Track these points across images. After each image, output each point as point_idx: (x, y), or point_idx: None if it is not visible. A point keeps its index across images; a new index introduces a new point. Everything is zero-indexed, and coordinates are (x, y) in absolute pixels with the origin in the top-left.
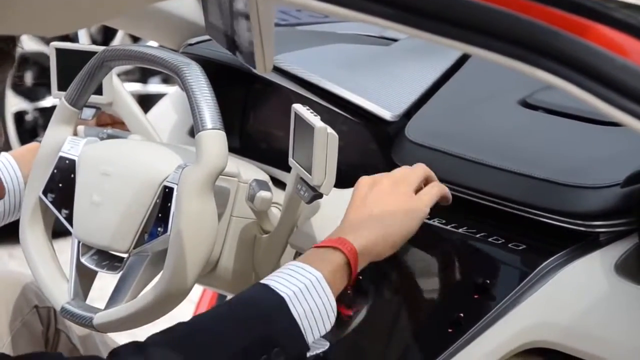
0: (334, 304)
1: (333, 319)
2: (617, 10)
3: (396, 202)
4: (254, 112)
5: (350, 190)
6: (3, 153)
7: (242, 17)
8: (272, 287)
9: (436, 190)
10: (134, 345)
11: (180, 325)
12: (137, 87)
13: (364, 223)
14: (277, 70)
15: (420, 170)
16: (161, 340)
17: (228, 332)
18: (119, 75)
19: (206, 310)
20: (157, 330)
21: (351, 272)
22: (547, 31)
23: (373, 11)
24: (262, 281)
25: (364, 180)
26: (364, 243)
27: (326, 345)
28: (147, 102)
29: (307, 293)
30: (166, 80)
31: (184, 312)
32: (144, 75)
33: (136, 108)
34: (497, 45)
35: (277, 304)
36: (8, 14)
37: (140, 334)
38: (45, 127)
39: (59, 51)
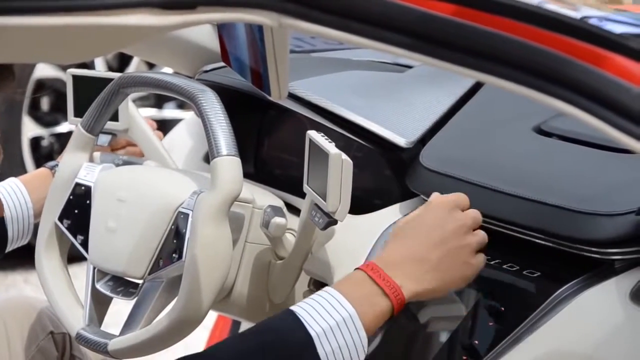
0: (366, 343)
1: (362, 358)
2: (632, 40)
3: (463, 253)
4: (268, 139)
5: (365, 216)
6: (12, 178)
7: (258, 44)
8: (303, 319)
9: (484, 259)
10: None
11: (205, 354)
12: (152, 112)
13: (424, 273)
14: (292, 96)
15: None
16: None
17: None
18: (134, 100)
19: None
20: (172, 356)
21: (391, 316)
22: (562, 60)
23: (388, 40)
24: (292, 308)
25: (438, 211)
26: (414, 295)
27: None
28: (162, 127)
29: (338, 331)
30: (181, 105)
31: (198, 338)
32: (159, 101)
33: (151, 134)
34: (512, 74)
35: (303, 342)
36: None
37: None
38: (61, 152)
39: (76, 78)
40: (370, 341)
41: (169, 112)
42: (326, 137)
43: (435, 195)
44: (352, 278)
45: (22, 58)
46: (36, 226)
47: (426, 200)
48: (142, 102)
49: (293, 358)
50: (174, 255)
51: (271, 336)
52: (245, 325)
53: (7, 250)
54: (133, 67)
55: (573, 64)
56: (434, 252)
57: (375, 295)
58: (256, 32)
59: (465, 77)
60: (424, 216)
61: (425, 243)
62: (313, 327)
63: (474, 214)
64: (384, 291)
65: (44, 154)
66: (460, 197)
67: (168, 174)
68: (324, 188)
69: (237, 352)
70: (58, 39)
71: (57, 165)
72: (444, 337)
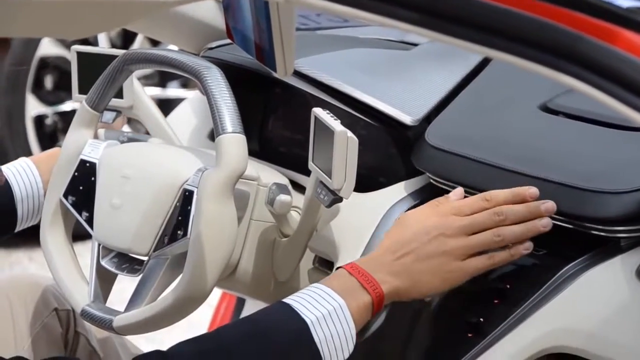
0: (354, 333)
1: (352, 347)
2: None
3: (442, 259)
4: (273, 116)
5: (370, 194)
6: (23, 158)
7: (263, 21)
8: (297, 309)
9: (488, 263)
10: (159, 355)
11: (205, 338)
12: (156, 91)
13: (402, 268)
14: (297, 74)
15: (484, 235)
16: (187, 352)
17: (252, 352)
18: (138, 79)
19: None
20: (176, 334)
21: (374, 310)
22: (572, 36)
23: (396, 15)
24: (285, 300)
25: (426, 212)
26: (394, 291)
27: None
28: (166, 106)
29: (330, 319)
30: (185, 84)
31: (202, 316)
32: (163, 80)
33: (156, 111)
34: (521, 50)
35: (300, 328)
36: (30, 17)
37: (159, 337)
38: (64, 131)
39: (80, 54)
40: (374, 321)
41: (173, 91)
42: (332, 115)
43: (443, 198)
44: (335, 275)
45: (26, 32)
46: None
47: (431, 178)
48: (145, 80)
49: (291, 343)
50: (178, 232)
51: (268, 324)
52: (250, 303)
53: (17, 230)
54: (137, 45)
55: (583, 40)
56: (410, 254)
57: (356, 289)
58: (262, 8)
59: (471, 55)
60: (416, 216)
61: (407, 242)
62: (307, 315)
63: (471, 220)
64: (362, 285)
65: (48, 132)
66: (463, 203)
67: (173, 151)
68: (329, 165)
69: (237, 338)
70: (62, 13)
71: None
72: (449, 315)
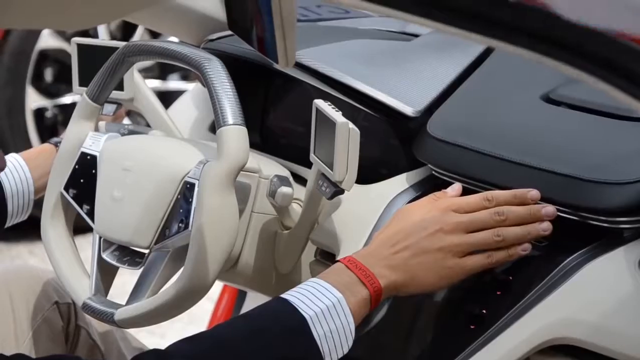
0: (353, 327)
1: (351, 342)
2: None
3: (439, 255)
4: (274, 108)
5: (372, 186)
6: (13, 154)
7: (265, 11)
8: (295, 305)
9: (486, 262)
10: (157, 354)
11: (204, 336)
12: (156, 83)
13: (399, 262)
14: (298, 65)
15: (483, 234)
16: (185, 351)
17: (251, 350)
18: (138, 71)
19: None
20: (177, 327)
21: (371, 304)
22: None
23: (400, 5)
24: (283, 296)
25: (425, 206)
26: (391, 285)
27: None
28: (166, 98)
29: (329, 314)
30: (185, 77)
31: (203, 309)
32: (163, 72)
33: (157, 104)
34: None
35: (299, 324)
36: (29, 8)
37: (160, 330)
38: (64, 124)
39: (81, 47)
40: (376, 312)
41: (173, 83)
42: (333, 106)
43: (441, 193)
44: (332, 269)
45: (26, 24)
46: (36, 202)
47: (433, 170)
48: (145, 73)
49: (291, 340)
50: (180, 224)
51: (266, 320)
52: (251, 296)
53: (6, 226)
54: (137, 37)
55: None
56: (407, 248)
57: (354, 283)
58: None
59: (472, 46)
60: (414, 210)
61: (405, 237)
62: (306, 310)
63: (471, 218)
64: (360, 280)
65: (48, 125)
66: (464, 200)
67: (174, 143)
68: (330, 157)
69: (236, 335)
70: (63, 3)
71: (60, 141)
72: (451, 306)
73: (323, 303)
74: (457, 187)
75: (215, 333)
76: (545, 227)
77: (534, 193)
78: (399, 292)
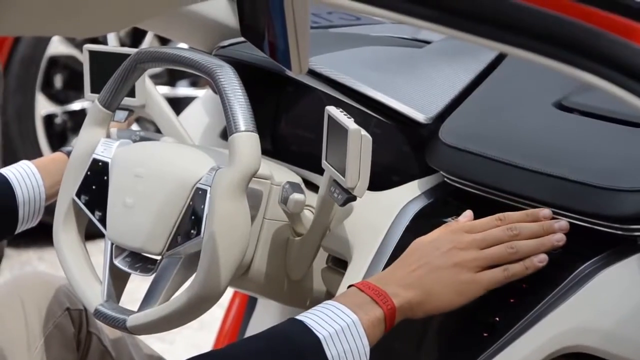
0: (368, 349)
1: None
2: None
3: (454, 270)
4: (286, 115)
5: (384, 192)
6: (25, 161)
7: (277, 18)
8: (309, 325)
9: (502, 276)
10: None
11: (216, 355)
12: (165, 90)
13: (414, 280)
14: (310, 72)
15: (495, 249)
16: None
17: None
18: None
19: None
20: (187, 334)
21: (387, 326)
22: (591, 32)
23: (412, 12)
24: (298, 317)
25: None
26: (406, 304)
27: None
28: (175, 105)
29: (343, 335)
30: (194, 83)
31: (213, 317)
32: (172, 79)
33: (169, 110)
34: (539, 47)
35: (312, 345)
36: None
37: (170, 337)
38: (74, 130)
39: (93, 53)
40: None
41: (183, 89)
42: (345, 113)
43: (453, 221)
44: (346, 292)
45: (37, 31)
46: (46, 208)
47: (445, 177)
48: (155, 79)
49: (304, 359)
50: (192, 231)
51: (280, 340)
52: (262, 303)
53: (16, 232)
54: (147, 43)
55: (602, 36)
56: (422, 267)
57: (367, 303)
58: (276, 5)
59: (484, 53)
60: (427, 236)
61: (419, 258)
62: (320, 331)
63: (484, 235)
64: (373, 299)
65: (58, 132)
66: (476, 222)
67: (186, 150)
68: (342, 164)
69: (248, 353)
70: (75, 10)
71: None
72: (464, 314)
73: (337, 324)
74: (468, 213)
75: (227, 352)
76: (559, 237)
77: (546, 212)
78: (416, 312)
